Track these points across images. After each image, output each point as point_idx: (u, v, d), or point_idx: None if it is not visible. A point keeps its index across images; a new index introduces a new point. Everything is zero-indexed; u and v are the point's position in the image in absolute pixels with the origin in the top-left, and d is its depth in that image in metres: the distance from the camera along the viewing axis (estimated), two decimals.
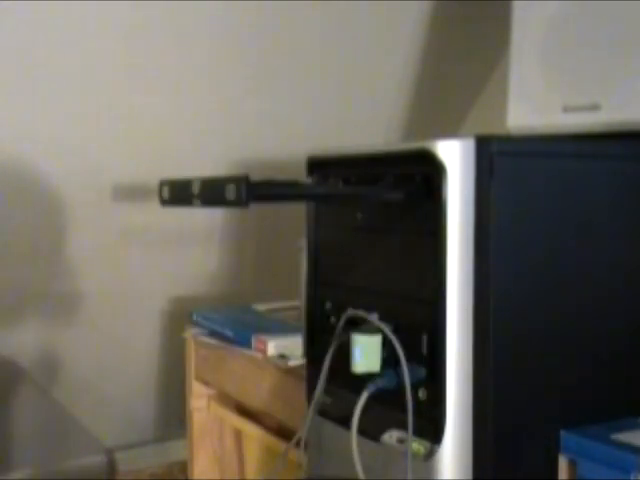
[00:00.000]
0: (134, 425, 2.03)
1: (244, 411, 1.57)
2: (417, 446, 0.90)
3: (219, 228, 1.86)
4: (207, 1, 1.52)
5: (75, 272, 1.75)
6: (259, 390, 1.40)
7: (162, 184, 0.96)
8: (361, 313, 0.96)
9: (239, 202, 0.80)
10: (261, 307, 1.68)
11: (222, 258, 1.89)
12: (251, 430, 1.52)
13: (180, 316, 1.76)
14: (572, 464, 0.92)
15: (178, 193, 0.93)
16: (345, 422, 0.96)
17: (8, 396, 1.83)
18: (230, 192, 0.81)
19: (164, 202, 0.96)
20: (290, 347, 1.35)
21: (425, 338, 0.89)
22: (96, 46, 1.48)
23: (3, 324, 1.74)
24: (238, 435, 1.64)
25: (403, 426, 0.90)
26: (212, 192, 0.82)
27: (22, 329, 1.76)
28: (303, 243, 1.11)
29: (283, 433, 1.38)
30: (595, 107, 1.11)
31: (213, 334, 1.55)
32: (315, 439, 1.07)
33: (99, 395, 1.93)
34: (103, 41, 1.48)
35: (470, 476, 0.89)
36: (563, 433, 0.93)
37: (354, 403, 0.92)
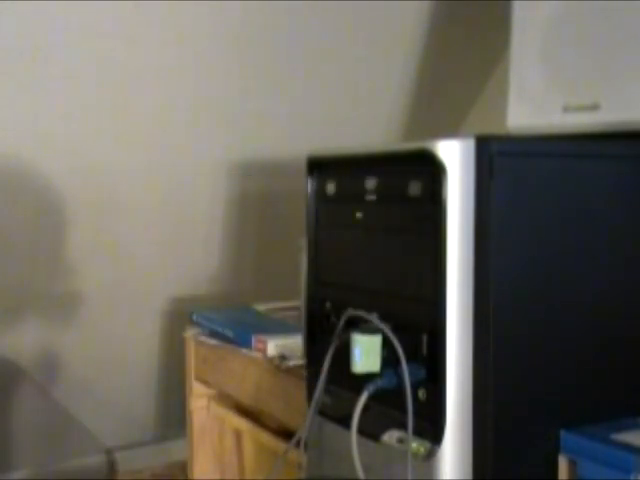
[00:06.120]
0: (134, 425, 2.03)
1: (244, 411, 1.56)
2: (417, 446, 0.90)
3: (219, 228, 1.86)
4: (207, 1, 1.52)
5: (75, 272, 1.75)
6: (259, 390, 1.40)
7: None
8: (361, 313, 0.96)
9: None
10: (261, 307, 1.68)
11: (222, 258, 1.89)
12: (251, 430, 1.52)
13: (180, 316, 1.76)
14: (572, 464, 0.91)
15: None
16: (345, 422, 0.96)
17: (8, 396, 1.83)
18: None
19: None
20: (290, 347, 1.35)
21: (425, 338, 0.89)
22: (96, 46, 1.48)
23: (3, 324, 1.74)
24: (238, 435, 1.64)
25: (403, 426, 0.90)
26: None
27: (22, 329, 1.76)
28: (303, 243, 1.11)
29: (283, 433, 1.38)
30: (595, 107, 1.11)
31: (213, 334, 1.55)
32: (315, 439, 1.07)
33: (99, 395, 1.93)
34: (103, 41, 1.49)
35: (470, 476, 0.88)
36: (563, 433, 0.93)
37: (354, 403, 0.92)
